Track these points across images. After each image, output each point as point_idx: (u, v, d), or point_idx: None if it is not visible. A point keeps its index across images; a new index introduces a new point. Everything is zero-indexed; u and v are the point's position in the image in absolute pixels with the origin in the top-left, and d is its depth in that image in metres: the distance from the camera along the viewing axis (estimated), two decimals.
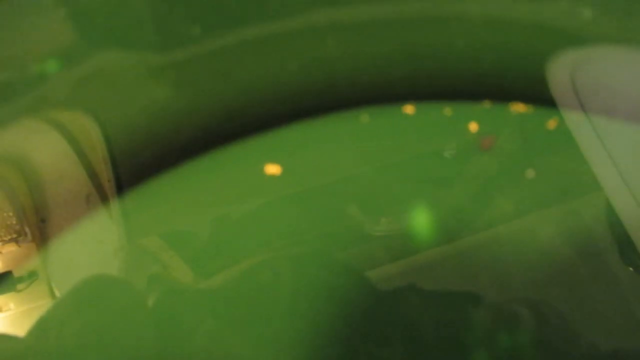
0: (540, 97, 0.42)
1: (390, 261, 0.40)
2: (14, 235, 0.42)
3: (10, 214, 0.43)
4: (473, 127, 0.42)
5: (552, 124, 0.42)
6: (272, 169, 0.40)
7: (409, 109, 0.42)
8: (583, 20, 0.39)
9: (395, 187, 0.40)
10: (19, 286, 0.41)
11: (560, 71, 0.40)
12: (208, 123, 0.39)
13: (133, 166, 0.40)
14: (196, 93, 0.39)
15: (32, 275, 0.41)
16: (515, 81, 0.42)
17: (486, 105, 0.43)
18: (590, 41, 0.39)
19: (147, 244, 0.43)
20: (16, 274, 0.41)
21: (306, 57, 0.40)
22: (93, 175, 0.42)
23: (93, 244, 0.42)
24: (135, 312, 0.36)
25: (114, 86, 0.40)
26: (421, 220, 0.39)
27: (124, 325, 0.36)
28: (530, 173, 0.40)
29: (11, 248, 0.42)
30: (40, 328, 0.35)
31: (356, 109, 0.42)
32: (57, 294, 0.40)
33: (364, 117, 0.42)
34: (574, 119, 0.39)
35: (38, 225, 0.42)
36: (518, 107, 0.43)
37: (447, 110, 0.42)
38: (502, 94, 0.43)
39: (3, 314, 0.40)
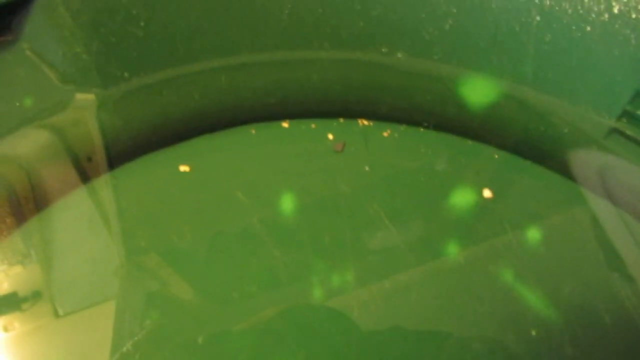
0: (378, 114, 0.59)
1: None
2: (20, 258, 0.45)
3: (17, 237, 0.46)
4: (330, 136, 0.58)
5: (386, 133, 0.58)
6: (184, 168, 0.57)
7: (285, 124, 0.59)
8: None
9: (271, 178, 0.56)
10: (24, 306, 0.42)
11: (589, 168, 0.46)
12: (137, 137, 0.56)
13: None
14: (130, 117, 0.56)
15: (35, 295, 0.43)
16: (358, 103, 0.58)
17: (341, 120, 0.59)
18: None
19: (145, 262, 0.48)
20: (21, 294, 0.43)
21: (205, 89, 0.57)
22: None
23: (94, 263, 0.46)
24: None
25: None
26: (288, 203, 0.55)
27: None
28: (366, 167, 0.56)
29: (17, 270, 0.44)
30: None
31: (246, 125, 0.59)
32: (60, 312, 0.42)
33: (252, 130, 0.59)
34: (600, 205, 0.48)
35: (42, 246, 0.46)
36: (363, 122, 0.59)
37: (313, 124, 0.59)
38: (352, 113, 0.59)
39: (8, 333, 0.41)
